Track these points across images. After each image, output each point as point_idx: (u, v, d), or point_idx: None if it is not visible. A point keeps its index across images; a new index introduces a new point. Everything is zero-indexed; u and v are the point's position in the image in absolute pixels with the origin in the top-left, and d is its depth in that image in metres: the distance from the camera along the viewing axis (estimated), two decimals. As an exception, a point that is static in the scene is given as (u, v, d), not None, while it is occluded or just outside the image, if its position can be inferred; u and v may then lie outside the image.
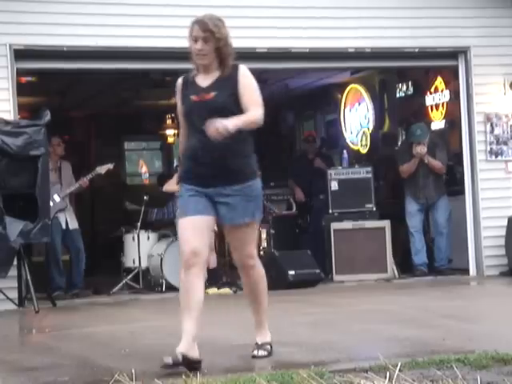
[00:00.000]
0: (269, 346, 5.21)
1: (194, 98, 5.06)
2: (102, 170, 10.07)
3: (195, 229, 4.93)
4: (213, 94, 5.00)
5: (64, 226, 9.93)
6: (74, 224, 10.04)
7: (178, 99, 5.19)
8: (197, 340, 4.84)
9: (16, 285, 8.74)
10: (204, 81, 5.08)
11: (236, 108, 4.96)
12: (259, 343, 5.22)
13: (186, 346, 4.74)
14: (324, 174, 11.11)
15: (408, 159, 10.53)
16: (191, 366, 4.67)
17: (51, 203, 9.50)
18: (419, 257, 10.52)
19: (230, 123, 4.78)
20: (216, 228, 10.03)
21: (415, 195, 10.59)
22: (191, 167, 5.05)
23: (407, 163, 10.52)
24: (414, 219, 10.60)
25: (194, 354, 4.77)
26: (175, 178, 10.26)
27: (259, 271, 5.21)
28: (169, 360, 4.65)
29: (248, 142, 5.08)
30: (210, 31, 5.03)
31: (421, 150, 10.39)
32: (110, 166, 10.21)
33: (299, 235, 11.69)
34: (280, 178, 12.27)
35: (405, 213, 10.81)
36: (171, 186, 10.34)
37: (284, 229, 11.21)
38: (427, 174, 10.51)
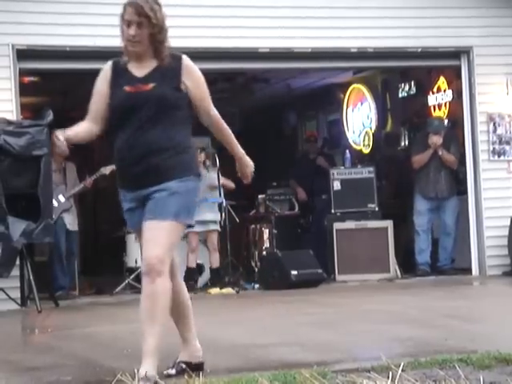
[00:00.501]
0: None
1: (128, 88, 4.48)
2: (107, 170, 10.09)
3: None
4: (151, 85, 4.46)
5: (67, 227, 9.97)
6: (74, 226, 10.08)
7: (100, 84, 4.56)
8: (195, 338, 4.72)
9: (18, 285, 8.75)
10: (139, 70, 4.52)
11: (176, 102, 4.49)
12: (140, 376, 4.29)
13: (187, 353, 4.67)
14: (326, 174, 11.11)
15: (422, 150, 10.53)
16: (195, 369, 4.61)
17: (56, 203, 9.52)
18: (422, 256, 10.52)
19: (247, 157, 4.76)
20: (219, 228, 10.16)
21: (425, 191, 10.55)
22: (121, 169, 4.59)
23: (420, 154, 10.53)
24: (421, 218, 10.57)
25: (196, 357, 4.69)
26: None
27: (166, 284, 4.38)
28: (172, 371, 4.58)
29: (183, 136, 4.55)
30: (145, 16, 4.42)
31: (437, 140, 10.39)
32: (114, 166, 10.23)
33: (301, 235, 11.69)
34: (282, 178, 12.27)
35: (408, 213, 10.81)
36: None
37: (286, 229, 11.21)
38: (439, 168, 10.49)
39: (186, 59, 4.56)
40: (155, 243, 4.36)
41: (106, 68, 4.59)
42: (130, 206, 4.54)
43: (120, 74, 4.54)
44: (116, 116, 4.51)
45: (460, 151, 10.57)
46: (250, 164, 4.76)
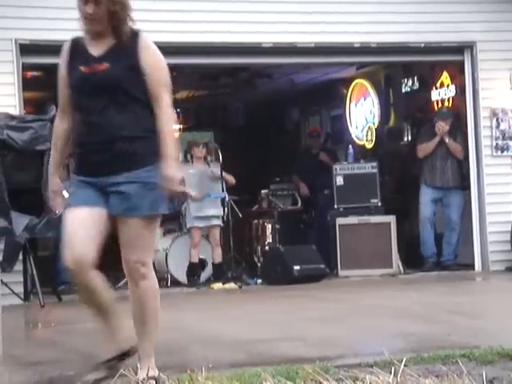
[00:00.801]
0: (153, 382, 4.17)
1: (83, 68, 4.17)
2: None
3: (81, 226, 4.13)
4: (106, 65, 4.14)
5: None
6: None
7: (60, 68, 4.28)
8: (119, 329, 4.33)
9: (21, 279, 8.76)
10: (96, 49, 4.20)
11: (132, 85, 4.13)
12: (140, 379, 4.13)
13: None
14: (329, 169, 11.10)
15: (428, 140, 10.54)
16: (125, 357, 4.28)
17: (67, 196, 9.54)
18: (429, 247, 10.52)
19: (174, 170, 4.06)
20: (221, 223, 10.17)
21: (431, 180, 10.53)
22: (78, 154, 4.27)
23: (426, 142, 10.54)
24: (427, 209, 10.56)
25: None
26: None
27: (152, 285, 4.25)
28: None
29: (144, 119, 4.16)
30: None
31: (443, 126, 10.39)
32: None
33: (304, 230, 11.69)
34: (285, 174, 12.27)
35: (411, 208, 10.80)
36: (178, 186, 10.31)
37: (289, 224, 11.21)
38: (446, 157, 10.48)
39: (143, 36, 4.21)
40: (136, 245, 4.15)
41: (64, 49, 4.30)
42: (79, 185, 4.27)
43: (78, 54, 4.24)
44: (74, 99, 4.22)
45: (465, 143, 10.57)
46: (171, 177, 4.06)
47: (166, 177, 4.05)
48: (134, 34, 4.20)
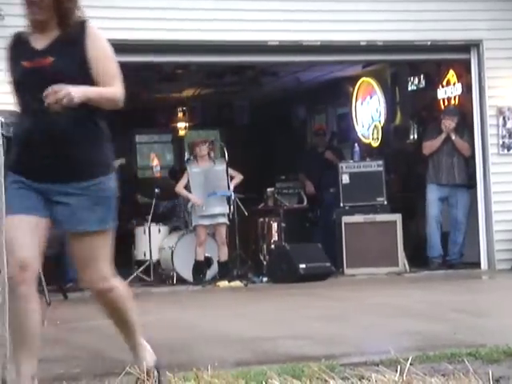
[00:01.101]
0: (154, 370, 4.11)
1: (26, 63, 3.87)
2: (116, 163, 10.14)
3: (23, 232, 3.81)
4: (50, 58, 3.83)
5: None
6: None
7: (7, 65, 3.99)
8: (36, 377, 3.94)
9: (27, 277, 8.77)
10: (40, 42, 3.90)
11: (81, 78, 3.79)
12: (143, 370, 4.04)
13: None
14: (335, 168, 11.10)
15: (434, 137, 10.53)
16: None
17: None
18: (435, 249, 10.51)
19: (78, 90, 3.67)
20: (227, 221, 10.17)
21: (437, 178, 10.52)
22: (21, 154, 3.88)
23: (432, 139, 10.53)
24: (434, 208, 10.54)
25: None
26: (185, 178, 10.33)
27: (120, 291, 4.03)
28: None
29: (99, 126, 3.91)
30: None
31: (450, 124, 10.39)
32: (122, 160, 10.36)
33: (310, 229, 11.68)
34: (291, 172, 12.27)
35: (417, 206, 10.78)
36: (182, 189, 10.31)
37: (295, 222, 11.20)
38: (452, 154, 10.47)
39: (91, 26, 3.90)
40: (90, 261, 3.93)
41: (8, 45, 4.01)
42: (18, 186, 3.87)
43: (21, 48, 3.94)
44: (17, 95, 3.92)
45: (471, 141, 10.56)
46: (66, 88, 3.66)
47: (59, 89, 3.65)
48: (81, 24, 3.90)
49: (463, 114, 11.06)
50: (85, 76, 3.82)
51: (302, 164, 12.29)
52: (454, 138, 10.43)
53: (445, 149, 10.49)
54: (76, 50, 3.85)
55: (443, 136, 10.45)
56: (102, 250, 3.97)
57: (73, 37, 3.87)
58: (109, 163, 3.98)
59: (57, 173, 3.84)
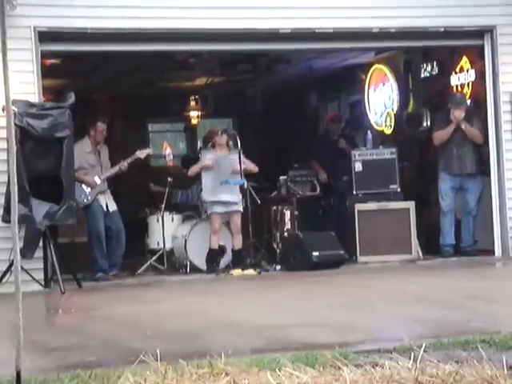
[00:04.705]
0: None
1: None
2: (142, 154, 10.31)
3: None
4: None
5: (105, 209, 10.00)
6: (113, 206, 10.11)
7: None
8: None
9: (42, 266, 8.81)
10: None
11: None
12: None
13: None
14: (348, 155, 11.07)
15: (444, 127, 10.48)
16: None
17: (98, 182, 9.80)
18: (448, 238, 10.47)
19: None
20: (241, 209, 10.17)
21: (449, 167, 10.47)
22: None
23: (442, 129, 10.48)
24: (446, 197, 10.50)
25: None
26: (199, 162, 10.36)
27: None
28: None
29: None
30: None
31: (459, 114, 10.34)
32: (149, 150, 10.84)
33: (323, 216, 11.67)
34: (304, 160, 12.25)
35: (430, 194, 10.74)
36: (195, 167, 10.36)
37: (308, 210, 11.19)
38: (462, 143, 10.41)
39: None
40: None
41: None
42: None
43: None
44: None
45: (483, 128, 10.48)
46: None
47: None
48: None
49: (476, 100, 11.01)
50: None
51: (316, 152, 12.27)
52: (464, 127, 10.38)
53: (455, 138, 10.44)
54: None
55: (453, 126, 10.40)
56: None
57: None
58: None
59: None
